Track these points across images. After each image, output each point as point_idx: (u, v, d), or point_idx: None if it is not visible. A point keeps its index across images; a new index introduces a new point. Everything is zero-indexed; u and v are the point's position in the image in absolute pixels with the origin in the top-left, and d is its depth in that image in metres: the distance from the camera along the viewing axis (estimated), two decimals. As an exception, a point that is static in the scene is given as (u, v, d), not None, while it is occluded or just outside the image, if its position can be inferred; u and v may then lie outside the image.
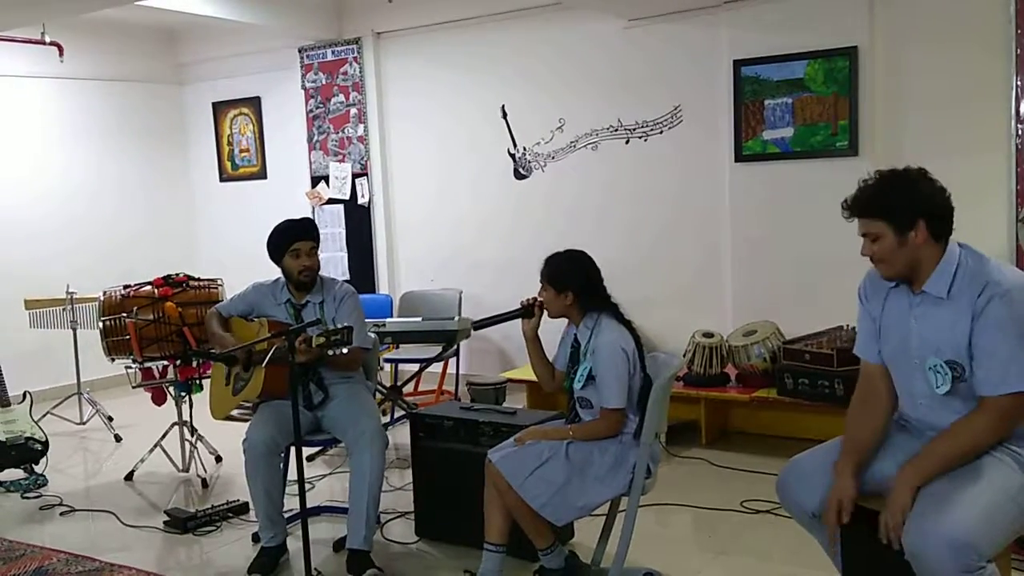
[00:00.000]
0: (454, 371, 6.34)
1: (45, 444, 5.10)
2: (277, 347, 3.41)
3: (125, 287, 5.07)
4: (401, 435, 5.25)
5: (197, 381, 5.04)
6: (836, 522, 2.49)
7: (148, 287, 5.05)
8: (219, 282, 5.19)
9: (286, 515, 3.85)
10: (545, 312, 3.39)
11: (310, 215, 7.43)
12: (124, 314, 4.90)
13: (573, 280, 3.29)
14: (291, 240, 3.87)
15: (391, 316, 6.64)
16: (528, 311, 3.42)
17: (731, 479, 4.65)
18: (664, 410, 3.27)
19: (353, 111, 7.27)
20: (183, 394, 5.08)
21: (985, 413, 2.37)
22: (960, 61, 5.02)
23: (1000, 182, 4.92)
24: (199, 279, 5.17)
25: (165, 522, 4.32)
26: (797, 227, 5.49)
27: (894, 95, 5.21)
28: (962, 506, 2.24)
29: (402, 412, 5.77)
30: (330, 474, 4.97)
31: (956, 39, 5.02)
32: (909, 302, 2.52)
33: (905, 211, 2.42)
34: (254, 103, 7.95)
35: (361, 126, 7.25)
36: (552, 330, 3.45)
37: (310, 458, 5.13)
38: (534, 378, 5.55)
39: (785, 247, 5.56)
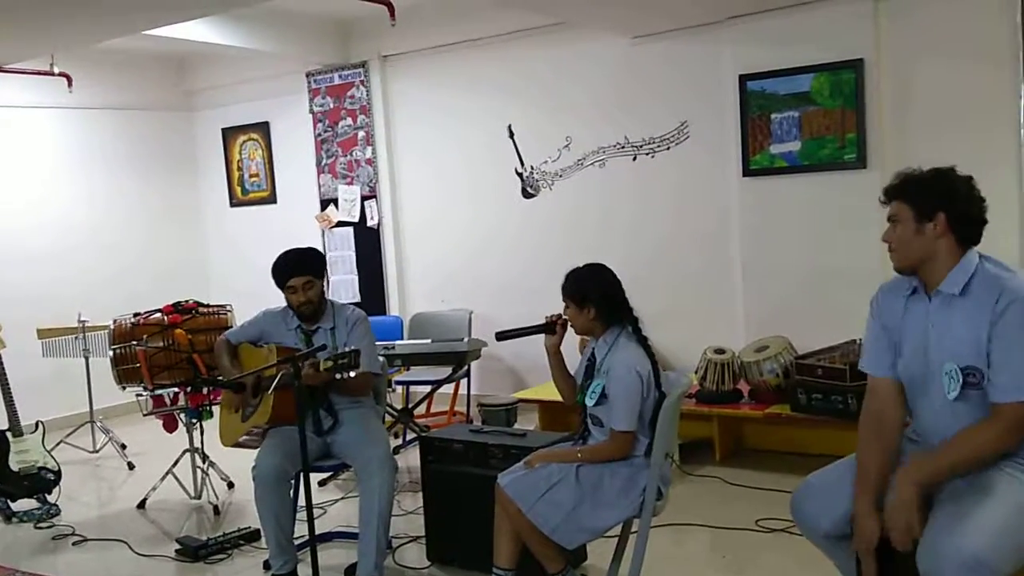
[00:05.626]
0: (465, 392, 6.32)
1: (58, 473, 5.09)
2: (285, 372, 3.40)
3: (135, 315, 5.08)
4: (413, 458, 5.23)
5: (208, 407, 5.04)
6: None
7: (158, 314, 5.05)
8: (228, 308, 5.20)
9: (297, 541, 3.84)
10: (571, 328, 3.37)
11: (320, 239, 7.45)
12: (134, 342, 4.91)
13: (594, 294, 3.26)
14: (285, 278, 3.89)
15: (401, 337, 6.64)
16: (551, 327, 3.41)
17: (745, 497, 4.60)
18: (674, 430, 3.24)
19: (361, 134, 7.29)
20: (194, 421, 5.08)
21: (997, 420, 2.34)
22: (967, 72, 4.99)
23: (1010, 192, 4.88)
24: (208, 305, 5.18)
25: (177, 551, 4.31)
26: (807, 240, 5.45)
27: (901, 107, 5.19)
28: (975, 524, 2.21)
29: (413, 435, 5.76)
30: (341, 499, 4.95)
31: (962, 50, 5.00)
32: (926, 308, 2.50)
33: (929, 198, 2.44)
34: (263, 128, 7.99)
35: (369, 148, 7.27)
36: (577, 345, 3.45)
37: (322, 483, 5.12)
38: (546, 398, 5.60)
39: (795, 261, 5.52)
